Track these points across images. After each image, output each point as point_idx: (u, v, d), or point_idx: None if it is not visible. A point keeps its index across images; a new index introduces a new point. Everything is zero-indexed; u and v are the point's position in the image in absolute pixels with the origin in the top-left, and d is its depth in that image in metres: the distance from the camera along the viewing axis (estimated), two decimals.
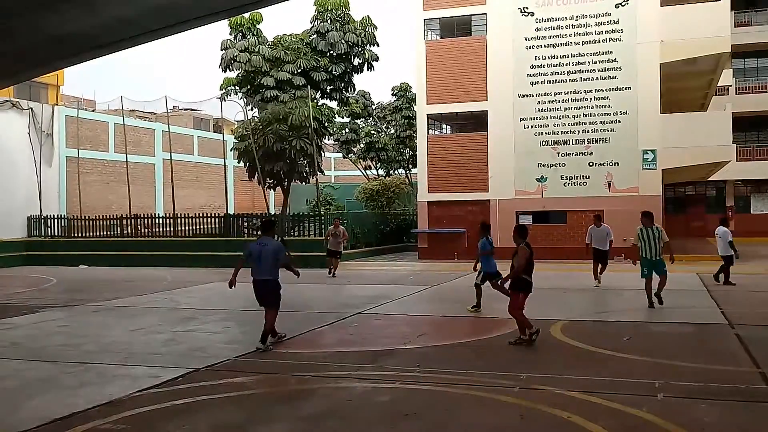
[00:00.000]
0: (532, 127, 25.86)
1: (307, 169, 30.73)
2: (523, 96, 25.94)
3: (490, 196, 26.18)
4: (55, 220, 28.00)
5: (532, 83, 25.85)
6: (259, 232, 10.11)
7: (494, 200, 26.06)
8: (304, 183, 32.85)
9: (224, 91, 31.41)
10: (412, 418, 6.38)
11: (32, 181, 27.84)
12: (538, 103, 25.78)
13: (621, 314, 12.58)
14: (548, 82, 25.71)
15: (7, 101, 27.28)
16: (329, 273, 19.78)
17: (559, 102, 25.60)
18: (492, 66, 26.37)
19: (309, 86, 29.57)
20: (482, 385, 7.38)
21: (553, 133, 25.66)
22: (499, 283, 11.30)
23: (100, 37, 21.19)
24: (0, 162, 26.42)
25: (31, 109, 28.30)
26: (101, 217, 27.68)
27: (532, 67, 25.87)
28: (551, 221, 25.71)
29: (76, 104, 35.84)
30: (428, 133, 27.84)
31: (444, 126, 29.64)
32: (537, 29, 25.84)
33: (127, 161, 30.55)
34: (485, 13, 26.64)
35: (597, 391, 7.05)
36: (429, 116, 27.77)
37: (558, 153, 25.58)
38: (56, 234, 27.80)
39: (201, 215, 27.29)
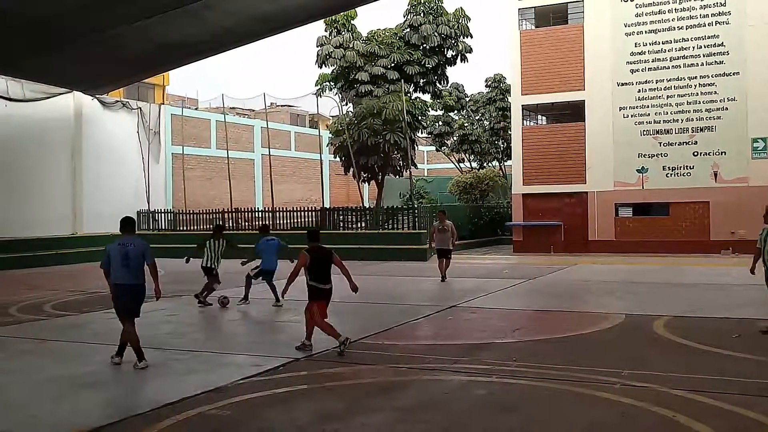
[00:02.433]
0: (632, 116, 25.02)
1: (400, 162, 30.92)
2: (623, 84, 25.13)
3: (587, 188, 25.52)
4: (162, 215, 29.37)
5: (632, 71, 25.00)
6: (120, 231, 8.72)
7: (592, 192, 25.39)
8: (397, 176, 33.06)
9: (320, 87, 31.99)
10: (510, 412, 6.35)
11: (141, 177, 29.32)
12: (639, 91, 24.91)
13: (728, 310, 12.00)
14: (649, 69, 24.80)
15: (117, 101, 28.81)
16: (442, 278, 16.60)
17: (661, 90, 24.65)
18: (589, 54, 25.67)
19: (402, 80, 29.68)
20: (581, 381, 7.24)
21: (655, 122, 24.74)
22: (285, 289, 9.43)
23: (204, 44, 22.25)
24: (112, 159, 27.93)
25: (140, 108, 29.76)
26: (204, 211, 28.83)
27: (632, 54, 25.01)
28: (653, 214, 24.81)
29: (181, 103, 37.41)
30: (523, 124, 27.42)
31: (539, 117, 29.12)
32: (637, 15, 24.95)
33: (228, 157, 31.67)
34: (582, 1, 25.95)
35: (703, 390, 6.79)
36: (524, 107, 27.34)
37: (660, 143, 24.64)
38: (163, 228, 29.15)
39: (298, 209, 27.94)
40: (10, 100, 24.16)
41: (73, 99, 26.55)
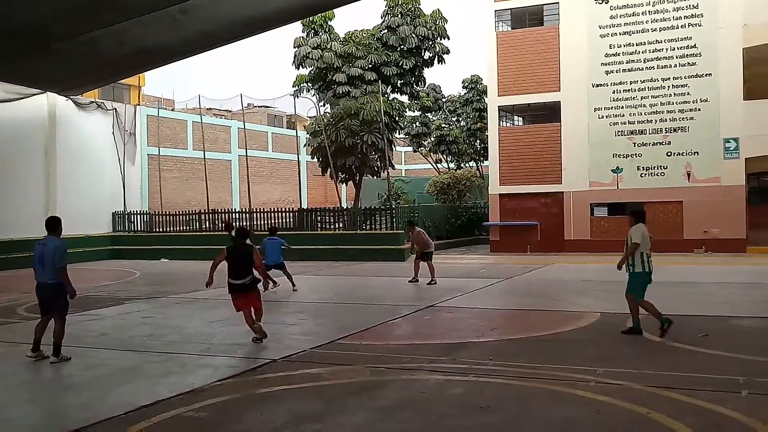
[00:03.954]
0: (606, 117, 25.29)
1: (378, 163, 30.96)
2: (598, 85, 25.39)
3: (563, 188, 25.74)
4: (138, 216, 29.11)
5: (607, 72, 25.26)
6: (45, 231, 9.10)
7: (568, 192, 25.61)
8: (375, 177, 33.09)
9: (297, 87, 31.98)
10: (486, 411, 6.40)
11: (117, 178, 29.00)
12: (613, 92, 25.19)
13: (701, 308, 12.19)
14: (623, 70, 25.08)
15: (92, 102, 28.47)
16: (412, 279, 16.71)
17: (635, 91, 24.94)
18: (565, 56, 25.91)
19: (380, 81, 29.74)
20: (557, 379, 7.32)
21: (629, 122, 25.03)
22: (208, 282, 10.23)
23: (180, 48, 22.14)
24: (88, 160, 27.59)
25: (115, 109, 29.44)
26: (181, 213, 28.63)
27: (607, 55, 25.28)
28: (628, 213, 25.06)
29: (157, 104, 37.14)
30: (500, 125, 27.59)
31: (516, 118, 29.31)
32: (612, 17, 25.23)
33: (204, 158, 31.48)
34: (557, 3, 26.20)
35: (677, 387, 6.89)
36: (500, 108, 27.52)
37: (634, 143, 24.93)
38: (139, 229, 28.91)
39: (276, 210, 27.86)
40: None
41: (47, 100, 26.20)
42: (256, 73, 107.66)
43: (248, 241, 10.27)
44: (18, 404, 7.37)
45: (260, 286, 13.44)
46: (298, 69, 31.51)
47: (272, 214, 27.43)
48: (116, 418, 6.40)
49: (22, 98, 25.05)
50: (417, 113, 42.40)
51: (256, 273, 10.07)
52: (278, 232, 17.62)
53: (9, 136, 24.63)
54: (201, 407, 6.70)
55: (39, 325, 9.04)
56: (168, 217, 28.52)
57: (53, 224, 9.12)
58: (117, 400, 7.08)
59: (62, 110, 26.84)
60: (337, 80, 30.18)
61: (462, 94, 42.82)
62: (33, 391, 7.98)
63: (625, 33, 25.09)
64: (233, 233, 10.49)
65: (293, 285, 15.60)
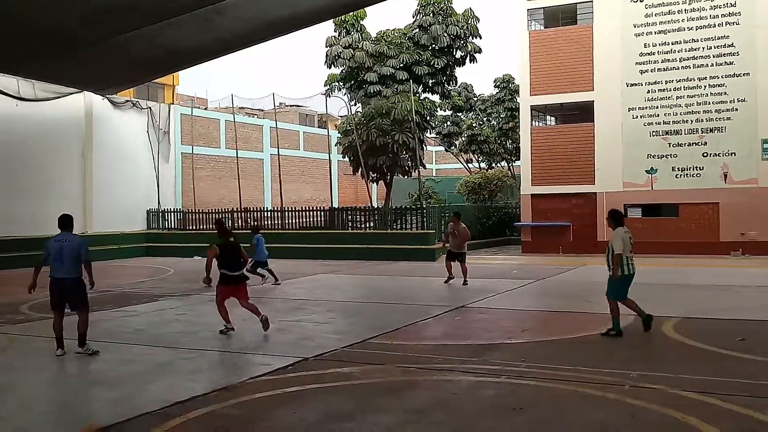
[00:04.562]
0: (641, 116, 24.97)
1: (409, 162, 30.97)
2: (632, 85, 25.07)
3: (596, 188, 25.47)
4: (172, 214, 29.49)
5: (642, 71, 24.94)
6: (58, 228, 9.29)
7: (601, 193, 25.33)
8: (406, 176, 33.09)
9: (329, 87, 32.10)
10: (519, 413, 6.36)
11: (151, 176, 29.44)
12: (648, 92, 24.86)
13: (737, 312, 11.96)
14: (659, 69, 24.73)
15: (127, 101, 28.92)
16: (447, 279, 16.15)
17: (670, 90, 24.58)
18: (598, 55, 25.63)
19: (411, 80, 29.73)
20: (590, 382, 7.24)
21: (664, 122, 24.68)
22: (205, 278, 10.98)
23: (213, 48, 22.45)
24: (123, 159, 28.06)
25: (150, 108, 29.86)
26: (213, 211, 28.93)
27: (642, 54, 24.95)
28: (662, 215, 24.74)
29: (190, 103, 37.51)
30: (532, 124, 27.40)
31: (548, 117, 29.08)
32: (647, 15, 24.89)
33: (237, 157, 31.77)
34: (591, 1, 25.92)
35: (713, 391, 6.77)
36: (532, 108, 27.32)
37: (669, 143, 24.57)
38: (173, 227, 29.28)
39: (307, 209, 28.02)
40: (22, 99, 24.27)
41: (83, 99, 26.67)
42: (288, 72, 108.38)
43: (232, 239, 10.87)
44: (55, 399, 7.53)
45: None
46: (330, 68, 31.66)
47: (303, 213, 27.58)
48: (151, 414, 6.47)
49: (59, 97, 25.54)
50: (448, 112, 42.34)
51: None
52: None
53: (47, 134, 25.15)
54: (234, 404, 6.75)
55: (56, 324, 9.09)
56: (201, 215, 28.85)
57: (69, 221, 9.37)
58: (152, 395, 7.18)
59: (98, 109, 27.33)
60: (368, 79, 30.24)
61: (494, 93, 42.63)
62: (69, 386, 8.14)
63: (660, 32, 24.73)
64: (220, 231, 11.16)
65: (276, 279, 16.96)
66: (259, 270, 16.67)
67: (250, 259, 14.14)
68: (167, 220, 29.37)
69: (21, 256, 21.20)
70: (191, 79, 70.40)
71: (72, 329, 9.08)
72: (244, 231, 27.52)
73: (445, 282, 16.01)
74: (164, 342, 10.03)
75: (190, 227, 29.14)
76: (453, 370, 7.94)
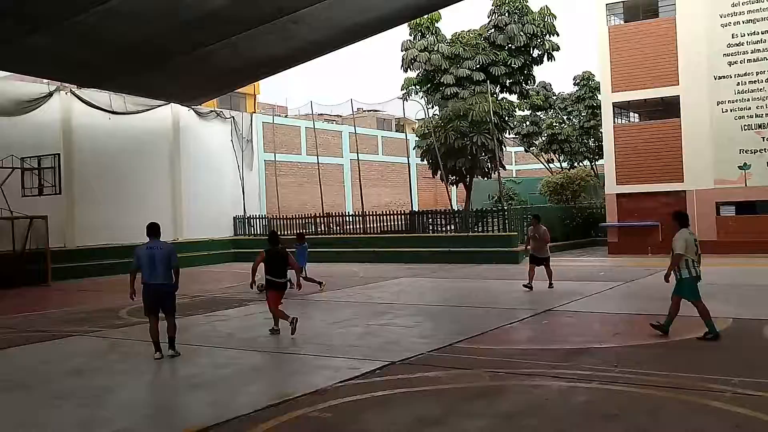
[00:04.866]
0: (731, 110, 23.90)
1: (488, 164, 30.74)
2: (720, 78, 24.03)
3: (685, 186, 24.54)
4: (257, 220, 30.25)
5: (730, 63, 23.88)
6: (147, 236, 9.60)
7: (690, 191, 24.39)
8: (485, 178, 32.83)
9: (405, 91, 32.20)
10: (613, 420, 6.20)
11: (236, 184, 30.30)
12: (738, 84, 23.77)
13: None
14: (748, 60, 23.62)
15: (212, 111, 29.89)
16: (528, 285, 15.44)
17: (762, 82, 23.44)
18: (683, 48, 24.69)
19: (488, 81, 29.49)
20: (688, 388, 6.98)
21: (756, 116, 23.55)
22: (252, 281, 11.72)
23: (292, 57, 23.06)
24: (209, 168, 29.01)
25: (233, 117, 30.75)
26: (296, 216, 29.51)
27: (729, 45, 23.89)
28: (758, 212, 23.59)
29: (271, 111, 38.37)
30: (614, 122, 26.68)
31: (631, 114, 28.27)
32: (733, 4, 23.82)
33: (318, 163, 32.29)
34: None
35: None
36: (615, 105, 26.61)
37: (763, 138, 23.42)
38: (258, 232, 30.01)
39: (387, 212, 28.18)
40: (114, 113, 25.45)
41: (171, 110, 27.71)
42: (365, 77, 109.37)
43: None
44: (157, 400, 7.85)
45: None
46: (406, 72, 31.76)
47: (384, 216, 27.76)
48: (246, 416, 6.64)
49: (148, 110, 26.64)
50: (527, 112, 41.76)
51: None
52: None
53: (138, 146, 26.25)
54: (325, 408, 6.85)
55: (153, 329, 9.46)
56: (285, 220, 29.48)
57: (157, 229, 9.69)
58: (245, 398, 7.38)
59: (185, 120, 28.35)
60: (444, 82, 30.17)
61: (574, 91, 41.81)
62: (167, 388, 8.47)
63: (749, 21, 23.63)
64: (269, 238, 11.90)
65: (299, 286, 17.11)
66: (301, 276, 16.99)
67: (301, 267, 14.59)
68: (253, 226, 30.13)
69: (117, 263, 22.27)
70: (271, 88, 72.09)
71: (162, 333, 9.46)
72: (324, 236, 28.17)
73: (525, 287, 15.47)
74: (255, 346, 10.29)
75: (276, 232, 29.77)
76: (543, 375, 7.82)
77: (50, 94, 23.71)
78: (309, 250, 18.19)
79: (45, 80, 24.02)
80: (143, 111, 26.48)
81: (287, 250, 11.90)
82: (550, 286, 15.56)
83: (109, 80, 22.88)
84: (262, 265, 11.21)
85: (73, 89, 24.23)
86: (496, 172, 30.47)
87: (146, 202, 25.59)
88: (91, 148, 24.66)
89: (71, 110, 24.38)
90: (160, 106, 26.99)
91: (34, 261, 21.62)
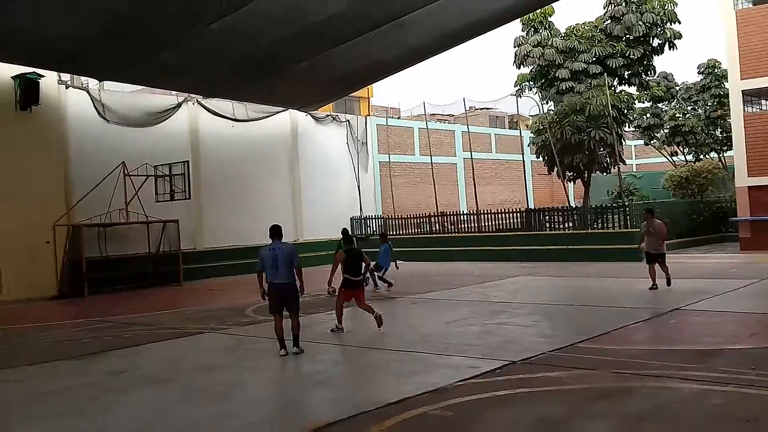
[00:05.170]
0: None
1: (607, 159, 29.75)
2: None
3: None
4: (373, 220, 30.76)
5: None
6: (270, 237, 9.99)
7: None
8: (604, 174, 31.79)
9: (519, 87, 31.73)
10: (752, 425, 5.88)
11: (352, 185, 30.96)
12: None
13: None
14: None
15: (328, 116, 30.71)
16: (652, 285, 14.75)
17: None
18: None
19: (605, 74, 28.53)
20: None
21: None
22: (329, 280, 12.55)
23: (402, 60, 23.49)
24: (326, 170, 29.82)
25: (348, 121, 31.45)
26: (411, 216, 29.75)
27: None
28: None
29: (384, 113, 38.84)
30: (744, 110, 25.13)
31: (763, 102, 26.52)
32: None
33: (431, 162, 32.42)
34: None
35: None
36: (744, 92, 25.00)
37: None
38: (374, 232, 30.49)
39: (502, 211, 27.88)
40: (236, 120, 26.67)
41: (289, 116, 28.67)
42: (476, 75, 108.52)
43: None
44: (281, 397, 8.16)
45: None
46: (519, 68, 31.23)
47: (499, 215, 27.49)
48: (367, 414, 6.75)
49: (268, 116, 27.70)
50: (647, 104, 40.08)
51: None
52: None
53: (259, 151, 27.35)
54: (446, 406, 6.87)
55: (277, 326, 9.83)
56: (400, 220, 29.80)
57: (279, 231, 10.09)
58: (366, 396, 7.53)
59: (303, 125, 29.28)
60: (559, 76, 29.47)
61: (698, 80, 39.73)
62: (291, 385, 8.77)
63: None
64: (344, 237, 12.76)
65: (375, 284, 17.73)
66: (377, 275, 17.66)
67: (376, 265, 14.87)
68: (369, 226, 30.63)
69: (240, 264, 23.35)
70: (384, 90, 73.09)
71: (286, 331, 9.81)
72: (438, 235, 28.21)
73: (650, 289, 14.71)
74: (373, 344, 10.49)
75: (391, 232, 30.11)
76: (672, 377, 7.50)
77: (179, 105, 25.14)
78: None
79: (174, 92, 25.52)
80: (263, 117, 27.55)
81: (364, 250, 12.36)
82: (668, 284, 14.75)
83: (234, 91, 24.03)
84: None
85: (199, 99, 25.60)
86: (616, 167, 29.42)
87: (267, 205, 26.55)
88: (216, 154, 25.91)
89: (198, 119, 25.74)
90: (279, 112, 27.98)
91: (167, 262, 23.00)
